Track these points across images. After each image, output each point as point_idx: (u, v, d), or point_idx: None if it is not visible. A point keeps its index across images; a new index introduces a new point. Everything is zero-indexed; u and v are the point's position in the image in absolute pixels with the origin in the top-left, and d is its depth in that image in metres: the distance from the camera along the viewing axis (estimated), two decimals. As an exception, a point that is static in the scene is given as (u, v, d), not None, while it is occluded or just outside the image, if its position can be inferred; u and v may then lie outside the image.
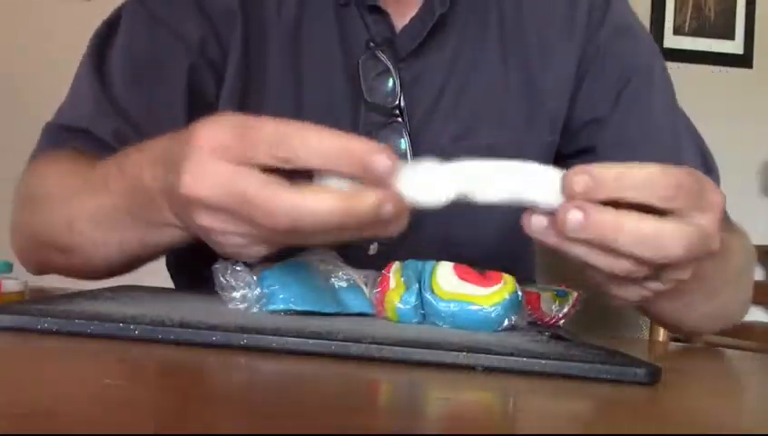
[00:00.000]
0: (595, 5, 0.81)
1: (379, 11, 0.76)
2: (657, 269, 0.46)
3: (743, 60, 2.60)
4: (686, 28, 2.61)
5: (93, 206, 0.59)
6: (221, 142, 0.43)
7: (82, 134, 0.71)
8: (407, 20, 0.77)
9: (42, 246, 0.67)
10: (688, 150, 0.81)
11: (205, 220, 0.45)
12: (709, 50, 2.58)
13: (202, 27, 0.74)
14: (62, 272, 0.69)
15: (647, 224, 0.44)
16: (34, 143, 0.74)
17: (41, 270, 0.72)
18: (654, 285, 0.49)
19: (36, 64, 2.28)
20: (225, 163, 0.43)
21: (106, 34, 0.75)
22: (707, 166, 0.81)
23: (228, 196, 0.43)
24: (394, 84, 0.74)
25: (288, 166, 0.42)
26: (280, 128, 0.43)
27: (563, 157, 0.85)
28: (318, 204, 0.42)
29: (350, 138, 0.42)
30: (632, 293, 0.50)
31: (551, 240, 0.47)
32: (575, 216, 0.44)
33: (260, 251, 0.47)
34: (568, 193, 0.44)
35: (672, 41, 2.56)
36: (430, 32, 0.76)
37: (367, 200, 0.42)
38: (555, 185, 0.45)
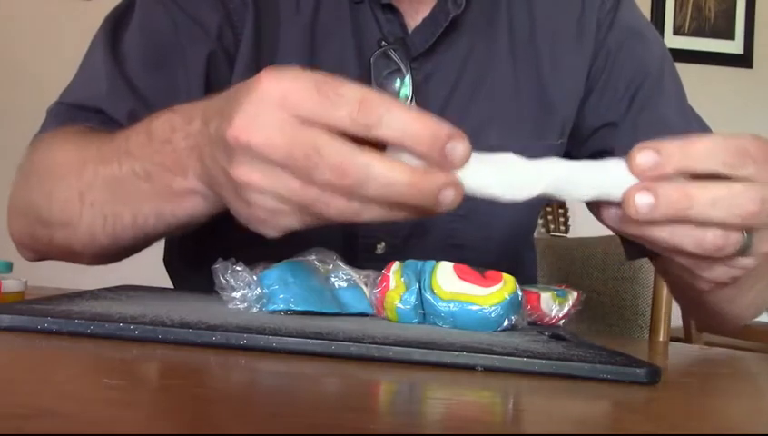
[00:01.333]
0: (603, 11, 0.82)
1: (391, 9, 0.76)
2: (744, 242, 0.46)
3: (743, 60, 2.60)
4: (686, 28, 2.61)
5: (108, 175, 0.57)
6: (293, 95, 0.41)
7: (95, 114, 0.70)
8: (419, 19, 0.77)
9: (43, 224, 0.65)
10: None
11: (246, 172, 0.43)
12: (709, 50, 2.59)
13: (219, 15, 0.73)
14: (62, 253, 0.67)
15: (717, 186, 0.44)
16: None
17: (40, 253, 0.70)
18: (745, 262, 0.48)
19: (36, 63, 2.28)
20: (291, 117, 0.41)
21: (121, 16, 0.74)
22: None
23: (291, 145, 0.41)
24: (405, 84, 0.74)
25: (364, 133, 0.41)
26: (365, 92, 0.41)
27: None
28: (390, 171, 0.41)
29: (433, 118, 0.42)
30: (721, 274, 0.50)
31: (632, 230, 0.46)
32: (643, 199, 0.44)
33: (290, 222, 0.45)
34: (637, 171, 0.44)
35: (672, 41, 2.56)
36: (442, 33, 0.76)
37: (436, 180, 0.41)
38: (623, 177, 0.45)
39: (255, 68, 0.74)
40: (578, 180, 0.46)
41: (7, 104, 2.25)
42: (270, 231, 0.46)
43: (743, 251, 0.47)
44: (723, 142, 0.45)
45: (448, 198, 0.42)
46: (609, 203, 0.46)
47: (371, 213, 0.43)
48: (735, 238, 0.45)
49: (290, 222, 0.45)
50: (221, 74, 0.73)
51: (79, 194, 0.60)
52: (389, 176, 0.41)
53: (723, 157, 0.44)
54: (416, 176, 0.41)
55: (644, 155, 0.44)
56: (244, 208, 0.45)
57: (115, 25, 0.74)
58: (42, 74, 2.11)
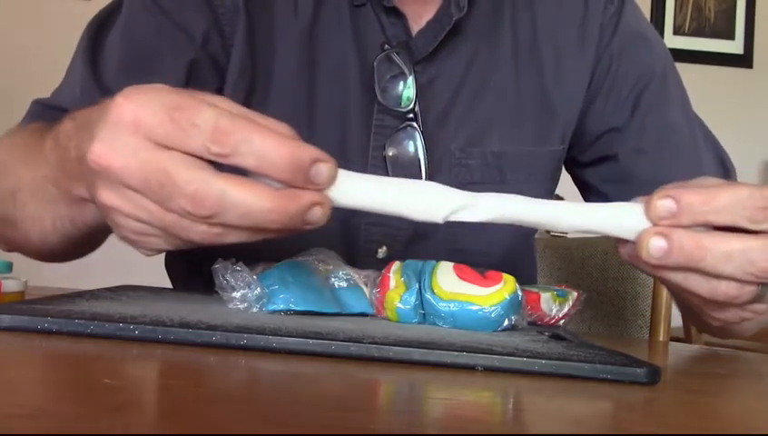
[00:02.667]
0: (607, 15, 0.82)
1: (395, 13, 0.75)
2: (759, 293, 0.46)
3: (743, 60, 2.60)
4: (686, 28, 2.61)
5: (31, 178, 0.57)
6: (145, 121, 0.40)
7: (63, 114, 0.70)
8: (423, 23, 0.76)
9: None
10: (707, 152, 0.81)
11: (108, 196, 0.42)
12: (709, 50, 2.59)
13: (206, 20, 0.73)
14: (13, 247, 0.67)
15: (734, 241, 0.43)
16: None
17: (7, 245, 0.69)
18: (759, 308, 0.48)
19: (36, 63, 2.28)
20: (147, 142, 0.40)
21: (105, 19, 0.74)
22: (725, 167, 0.82)
23: (145, 173, 0.40)
24: (409, 87, 0.74)
25: (221, 161, 0.40)
26: (219, 119, 0.39)
27: (581, 165, 0.85)
28: (248, 198, 0.39)
29: (296, 144, 0.40)
30: (732, 316, 0.50)
31: (646, 268, 0.46)
32: (657, 243, 0.43)
33: (158, 244, 0.44)
34: (652, 219, 0.44)
35: (672, 41, 2.56)
36: (446, 36, 0.76)
37: (301, 202, 0.40)
38: (639, 221, 0.45)
39: (251, 74, 0.74)
40: (568, 217, 0.46)
41: (7, 106, 2.25)
42: (144, 251, 0.46)
43: (758, 299, 0.46)
44: (747, 195, 0.44)
45: (315, 216, 0.41)
46: (628, 242, 0.46)
47: (236, 237, 0.42)
48: (750, 289, 0.45)
49: (159, 244, 0.44)
50: (203, 81, 0.73)
51: (12, 195, 0.60)
52: (248, 203, 0.40)
53: (744, 212, 0.44)
54: (278, 201, 0.40)
55: (663, 204, 0.44)
56: (115, 228, 0.45)
57: (98, 29, 0.74)
58: (41, 75, 2.11)
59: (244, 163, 0.40)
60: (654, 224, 0.44)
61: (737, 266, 0.44)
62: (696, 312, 0.54)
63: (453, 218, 0.46)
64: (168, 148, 0.40)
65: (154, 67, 0.71)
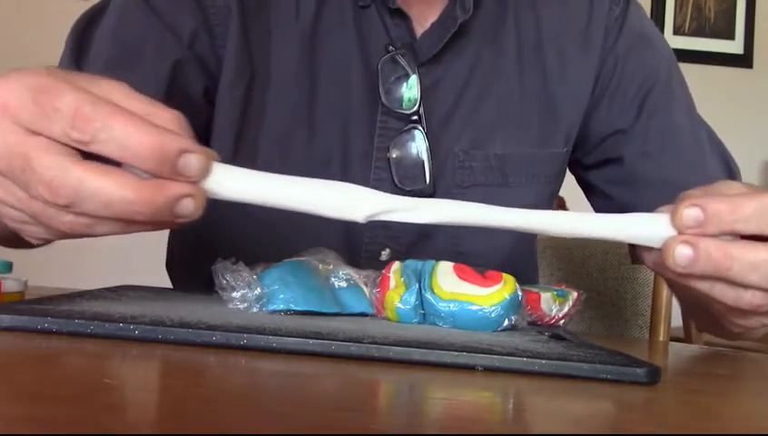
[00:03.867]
0: (612, 18, 0.81)
1: (400, 14, 0.75)
2: None
3: (743, 60, 2.60)
4: (686, 28, 2.61)
5: None
6: (12, 104, 0.39)
7: None
8: (427, 25, 0.76)
9: None
10: (711, 154, 0.81)
11: None
12: (709, 50, 2.59)
13: (196, 20, 0.72)
14: None
15: (761, 251, 0.44)
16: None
17: None
18: None
19: (36, 63, 2.28)
20: (15, 125, 0.39)
21: (92, 19, 0.74)
22: (730, 169, 0.82)
23: (9, 158, 0.39)
24: (411, 87, 0.74)
25: (82, 148, 0.39)
26: (81, 105, 0.38)
27: (585, 167, 0.85)
28: (108, 188, 0.38)
29: (160, 133, 0.39)
30: (754, 322, 0.50)
31: (671, 275, 0.46)
32: (683, 252, 0.44)
33: (37, 232, 0.43)
34: (678, 227, 0.44)
35: (672, 41, 2.56)
36: (450, 39, 0.76)
37: (167, 193, 0.39)
38: (664, 229, 0.45)
39: (249, 74, 0.74)
40: (589, 224, 0.46)
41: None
42: (31, 240, 0.45)
43: None
44: None
45: (186, 208, 0.40)
46: (651, 249, 0.47)
47: (106, 228, 0.41)
48: None
49: (38, 232, 0.43)
50: (190, 80, 0.73)
51: None
52: (107, 193, 0.38)
53: None
54: (142, 191, 0.39)
55: (690, 212, 0.44)
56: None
57: (85, 28, 0.73)
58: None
59: (106, 151, 0.39)
60: (680, 233, 0.44)
61: (763, 275, 0.44)
62: (718, 317, 0.54)
63: (381, 218, 0.45)
64: (35, 133, 0.39)
65: (137, 66, 0.71)
